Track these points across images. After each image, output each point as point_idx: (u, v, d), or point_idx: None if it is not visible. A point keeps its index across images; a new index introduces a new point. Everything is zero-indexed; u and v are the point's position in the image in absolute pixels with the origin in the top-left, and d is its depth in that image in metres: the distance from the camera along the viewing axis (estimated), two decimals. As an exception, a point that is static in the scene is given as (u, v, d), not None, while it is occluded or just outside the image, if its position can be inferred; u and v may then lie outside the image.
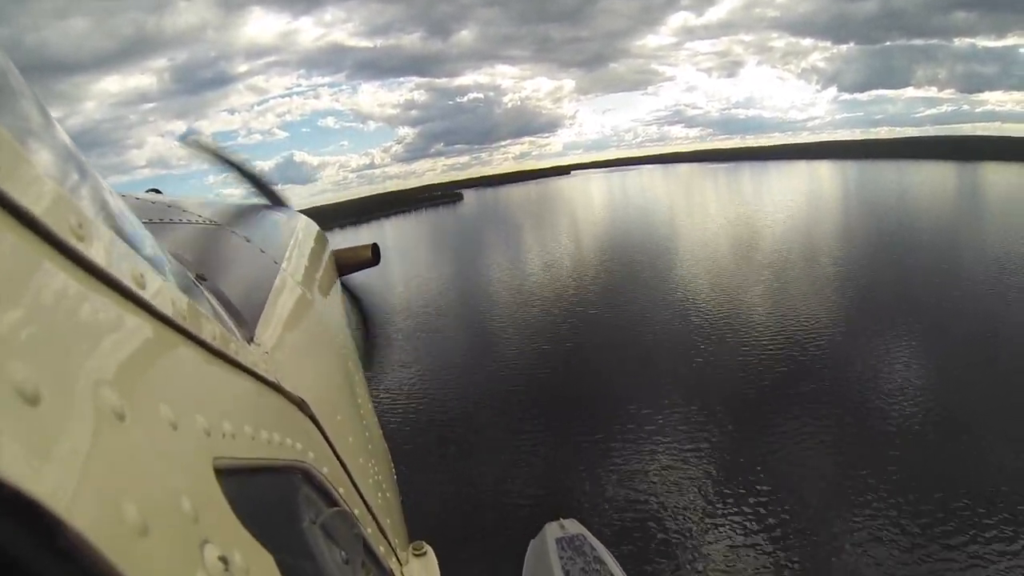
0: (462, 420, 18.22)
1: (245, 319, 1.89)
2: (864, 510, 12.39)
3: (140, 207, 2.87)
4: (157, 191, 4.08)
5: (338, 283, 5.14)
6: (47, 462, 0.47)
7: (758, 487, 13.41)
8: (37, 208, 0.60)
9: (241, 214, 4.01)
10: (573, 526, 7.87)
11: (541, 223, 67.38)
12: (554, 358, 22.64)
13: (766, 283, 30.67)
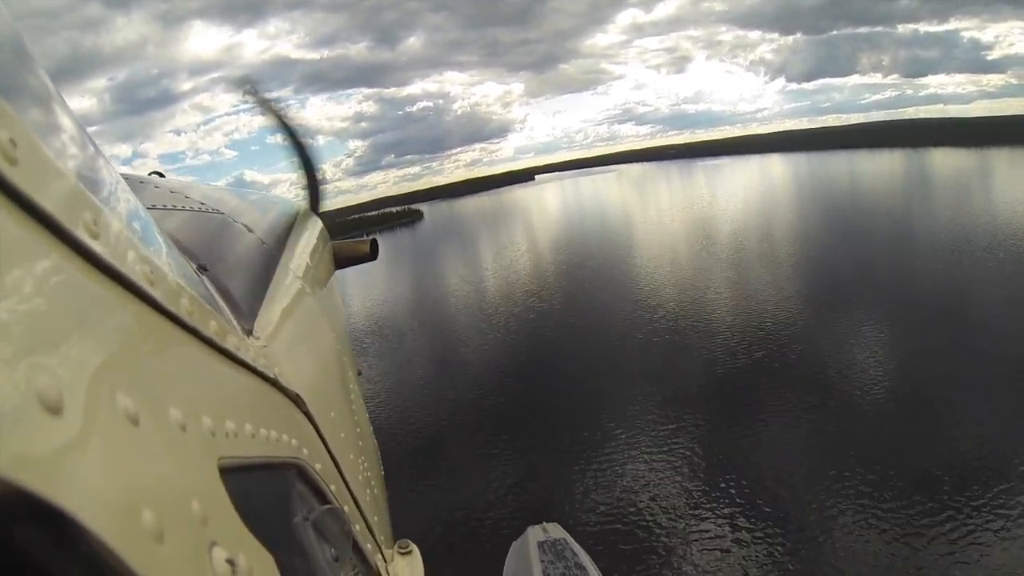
0: (443, 433, 18.22)
1: (245, 312, 1.86)
2: (840, 489, 12.56)
3: (144, 191, 2.78)
4: (160, 174, 4.01)
5: (335, 276, 5.11)
6: (71, 473, 0.48)
7: (736, 479, 13.47)
8: (56, 208, 0.59)
9: (243, 203, 3.88)
10: (555, 530, 7.75)
11: (515, 246, 65.24)
12: (531, 370, 22.60)
13: (730, 279, 31.22)
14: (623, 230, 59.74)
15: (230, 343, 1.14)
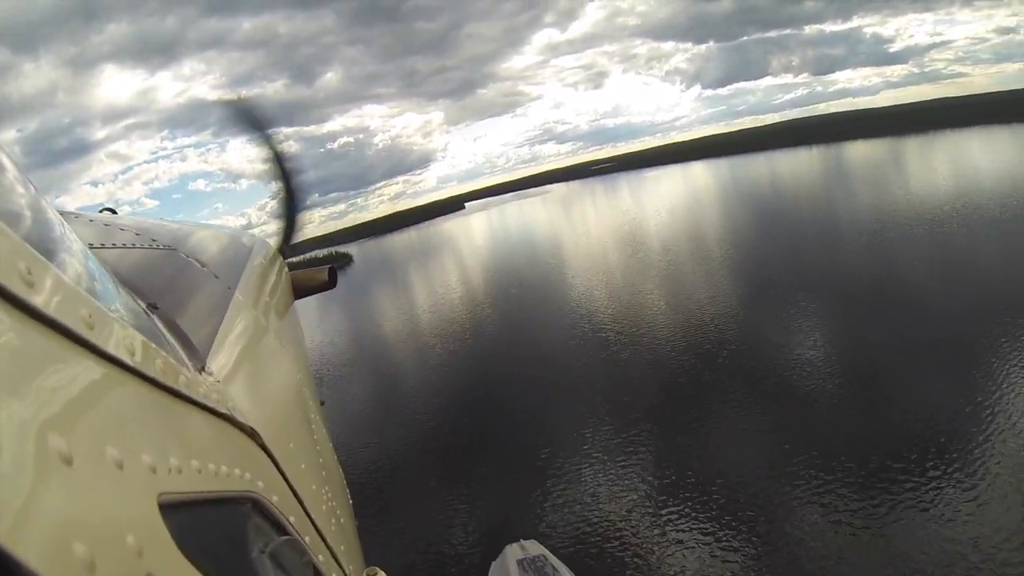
0: (402, 467, 17.95)
1: (197, 348, 1.86)
2: (801, 483, 12.69)
3: (92, 230, 2.83)
4: (112, 211, 4.00)
5: (294, 307, 5.17)
6: (3, 511, 0.50)
7: (699, 481, 13.60)
8: None
9: (195, 237, 3.86)
10: (534, 547, 7.70)
11: (453, 283, 62.08)
12: (484, 397, 22.36)
13: (666, 287, 31.84)
14: (555, 253, 59.35)
15: (179, 381, 1.16)
